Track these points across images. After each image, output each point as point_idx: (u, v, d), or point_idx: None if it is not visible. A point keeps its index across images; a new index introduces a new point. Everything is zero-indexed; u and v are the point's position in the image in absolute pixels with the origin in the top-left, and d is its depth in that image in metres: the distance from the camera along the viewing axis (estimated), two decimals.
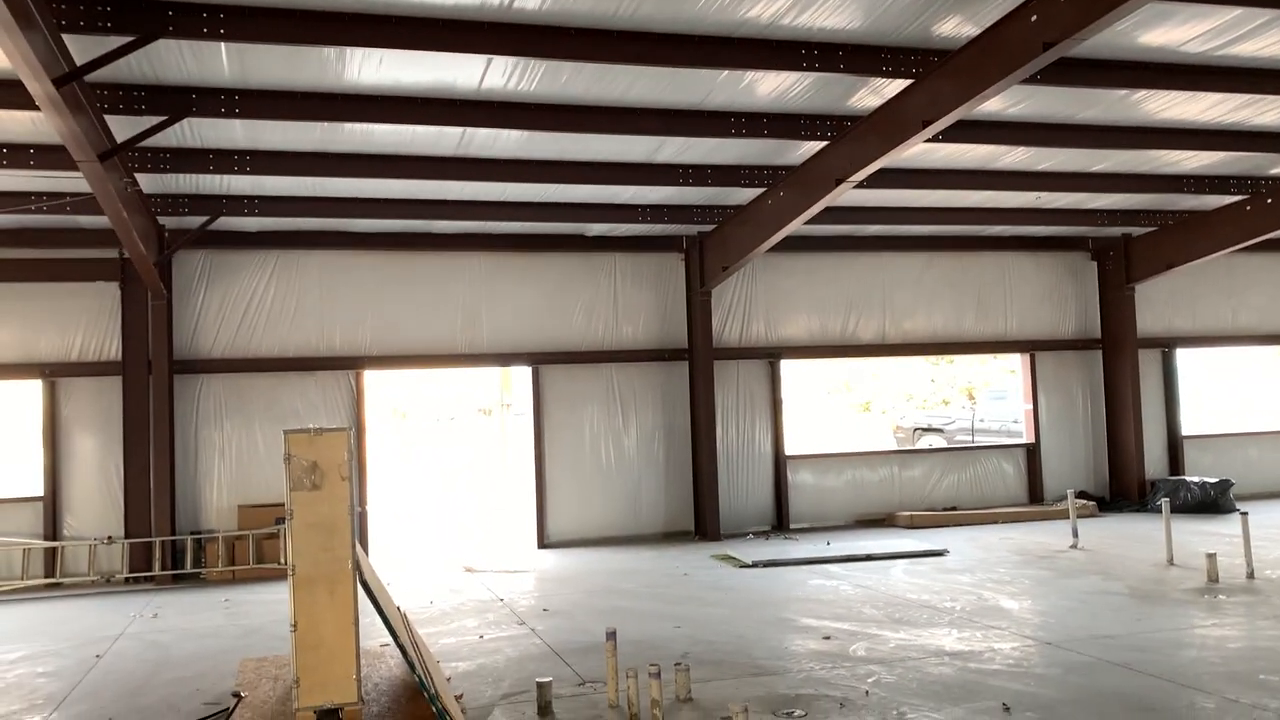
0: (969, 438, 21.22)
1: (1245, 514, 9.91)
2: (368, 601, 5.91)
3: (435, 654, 7.47)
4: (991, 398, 22.79)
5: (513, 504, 16.67)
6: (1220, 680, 6.37)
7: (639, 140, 10.16)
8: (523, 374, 14.06)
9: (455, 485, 22.03)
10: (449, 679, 6.88)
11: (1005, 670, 6.77)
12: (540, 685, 6.30)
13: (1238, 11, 7.91)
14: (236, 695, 6.59)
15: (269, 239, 12.66)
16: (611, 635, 6.38)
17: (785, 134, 9.95)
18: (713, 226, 13.29)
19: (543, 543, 13.33)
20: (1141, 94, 9.62)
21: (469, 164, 10.62)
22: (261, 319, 12.70)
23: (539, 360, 13.54)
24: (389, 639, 6.55)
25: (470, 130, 9.55)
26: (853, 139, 9.67)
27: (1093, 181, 12.59)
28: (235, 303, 12.63)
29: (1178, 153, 11.61)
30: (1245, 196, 13.10)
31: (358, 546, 6.06)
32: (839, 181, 9.99)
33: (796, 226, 11.49)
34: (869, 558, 11.33)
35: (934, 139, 9.93)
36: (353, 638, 5.79)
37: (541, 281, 13.63)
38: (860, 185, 10.70)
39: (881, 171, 10.65)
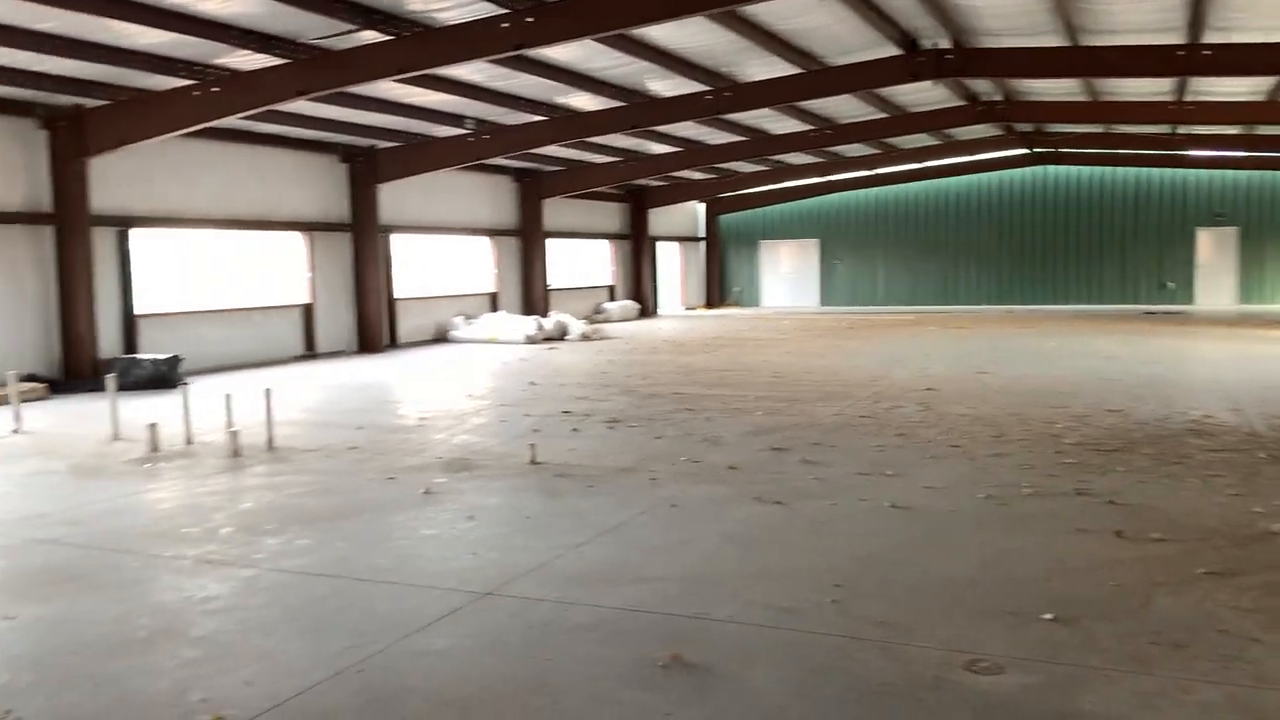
0: None
1: (189, 385, 10.51)
2: None
3: None
4: None
5: None
6: (148, 539, 6.65)
7: None
8: None
9: None
10: None
11: None
12: None
13: None
14: None
15: None
16: None
17: None
18: None
19: None
20: None
21: None
22: None
23: None
24: None
25: None
26: None
27: (39, 41, 11.66)
28: None
29: (130, 25, 11.41)
30: (194, 82, 13.59)
31: None
32: None
33: None
34: None
35: None
36: None
37: None
38: None
39: None
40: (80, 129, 14.56)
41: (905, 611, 4.97)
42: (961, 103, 20.83)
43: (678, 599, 5.23)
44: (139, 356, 14.90)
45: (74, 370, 14.75)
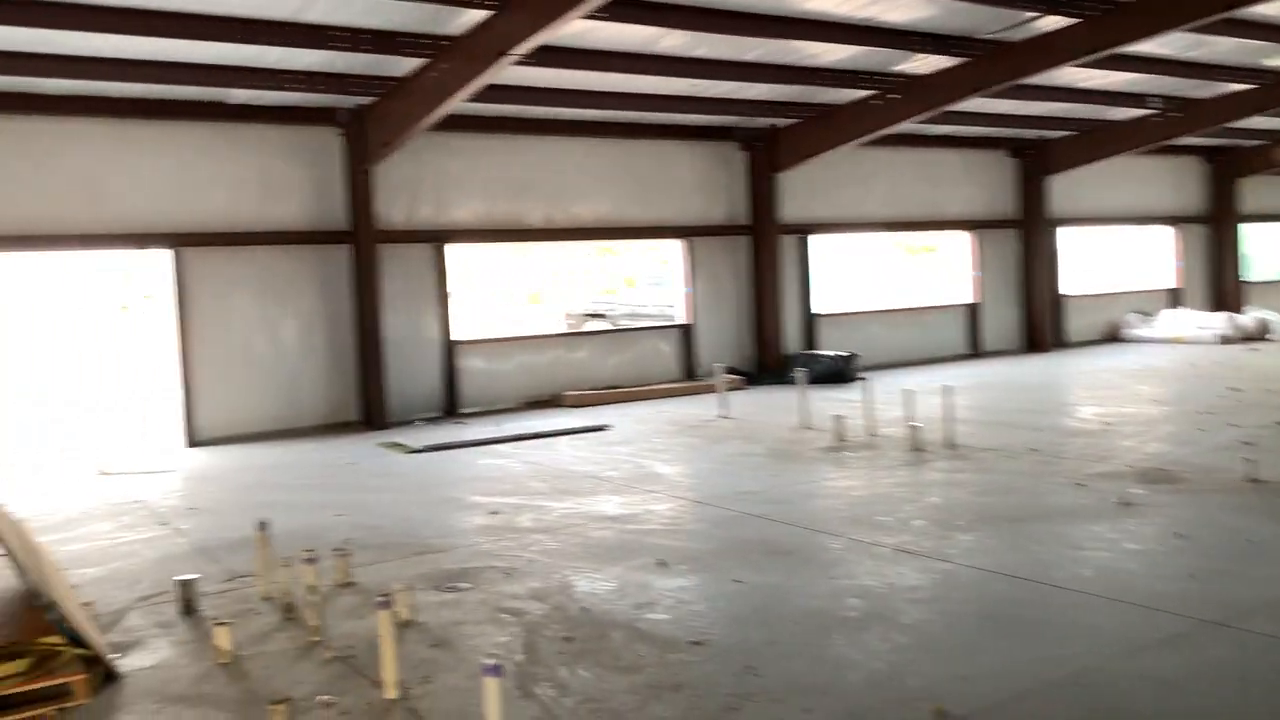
0: (631, 321, 22.11)
1: (864, 380, 11.05)
2: None
3: (60, 561, 6.70)
4: (650, 284, 23.88)
5: (157, 402, 15.30)
6: (845, 524, 7.07)
7: None
8: (163, 259, 12.66)
9: (90, 385, 19.85)
10: (75, 586, 6.19)
11: (660, 529, 7.13)
12: (182, 583, 5.82)
13: None
14: None
15: None
16: (263, 526, 6.00)
17: None
18: (373, 99, 12.53)
19: (192, 441, 12.34)
20: None
21: (78, 10, 9.21)
22: None
23: (180, 242, 12.29)
24: None
25: None
26: (515, 9, 9.37)
27: (744, 70, 13.11)
28: None
29: (817, 45, 12.34)
30: (874, 92, 14.24)
31: None
32: (501, 55, 9.70)
33: (460, 102, 11.10)
34: (536, 436, 11.51)
35: (598, 17, 9.84)
36: None
37: (179, 154, 12.28)
38: (526, 63, 10.48)
39: (547, 50, 10.48)
40: (772, 147, 16.17)
41: None
42: None
43: None
44: (818, 353, 16.11)
45: (764, 364, 16.43)
